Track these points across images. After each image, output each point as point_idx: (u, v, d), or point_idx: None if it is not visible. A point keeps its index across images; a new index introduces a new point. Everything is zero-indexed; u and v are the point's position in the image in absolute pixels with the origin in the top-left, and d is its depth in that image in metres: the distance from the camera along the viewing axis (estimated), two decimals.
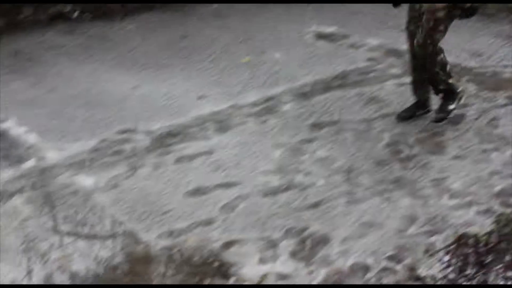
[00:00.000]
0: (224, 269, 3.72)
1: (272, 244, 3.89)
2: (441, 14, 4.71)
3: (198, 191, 4.46)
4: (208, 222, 4.13)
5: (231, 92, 5.91)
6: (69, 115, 5.68)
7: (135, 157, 4.93)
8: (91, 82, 6.34)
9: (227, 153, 4.92)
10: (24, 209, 4.37)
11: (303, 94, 5.80)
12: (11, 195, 4.53)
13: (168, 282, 3.68)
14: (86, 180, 4.67)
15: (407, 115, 5.20)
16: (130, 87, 6.16)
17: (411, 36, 4.95)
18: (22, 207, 4.40)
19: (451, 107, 5.09)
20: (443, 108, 5.10)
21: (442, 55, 4.92)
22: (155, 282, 3.68)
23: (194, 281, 3.65)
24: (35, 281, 3.75)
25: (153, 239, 4.01)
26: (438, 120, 5.08)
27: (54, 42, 7.40)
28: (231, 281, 3.63)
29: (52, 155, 5.03)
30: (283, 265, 3.71)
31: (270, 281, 3.59)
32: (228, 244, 3.92)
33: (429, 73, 4.99)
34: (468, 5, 4.70)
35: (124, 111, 5.68)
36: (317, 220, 4.09)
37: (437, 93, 5.13)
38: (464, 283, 3.27)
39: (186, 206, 4.29)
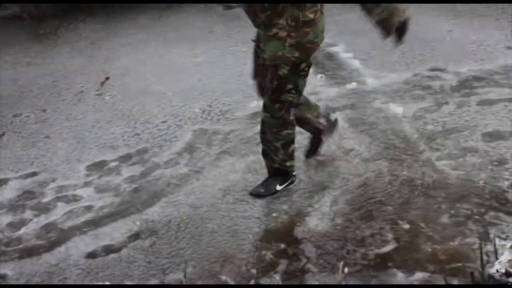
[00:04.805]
0: (508, 206, 3.57)
1: None
2: (284, 71, 3.38)
3: (493, 135, 4.26)
4: (500, 163, 3.95)
5: None
6: (389, 48, 5.66)
7: (442, 93, 4.83)
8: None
9: None
10: (342, 125, 4.43)
11: None
12: (334, 110, 4.64)
13: (452, 208, 3.59)
14: (396, 108, 4.66)
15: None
16: (445, 31, 6.01)
17: (260, 88, 3.69)
18: (340, 123, 4.42)
19: (277, 188, 3.78)
20: (266, 184, 3.82)
21: (290, 131, 3.62)
22: (443, 206, 3.61)
23: (478, 211, 3.52)
24: None
25: (449, 169, 3.95)
26: (254, 194, 3.81)
27: None
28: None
29: (371, 81, 5.12)
30: None
31: None
32: None
33: (266, 145, 3.70)
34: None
35: (437, 51, 5.57)
36: None
37: (268, 172, 3.83)
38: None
39: (482, 145, 4.14)
